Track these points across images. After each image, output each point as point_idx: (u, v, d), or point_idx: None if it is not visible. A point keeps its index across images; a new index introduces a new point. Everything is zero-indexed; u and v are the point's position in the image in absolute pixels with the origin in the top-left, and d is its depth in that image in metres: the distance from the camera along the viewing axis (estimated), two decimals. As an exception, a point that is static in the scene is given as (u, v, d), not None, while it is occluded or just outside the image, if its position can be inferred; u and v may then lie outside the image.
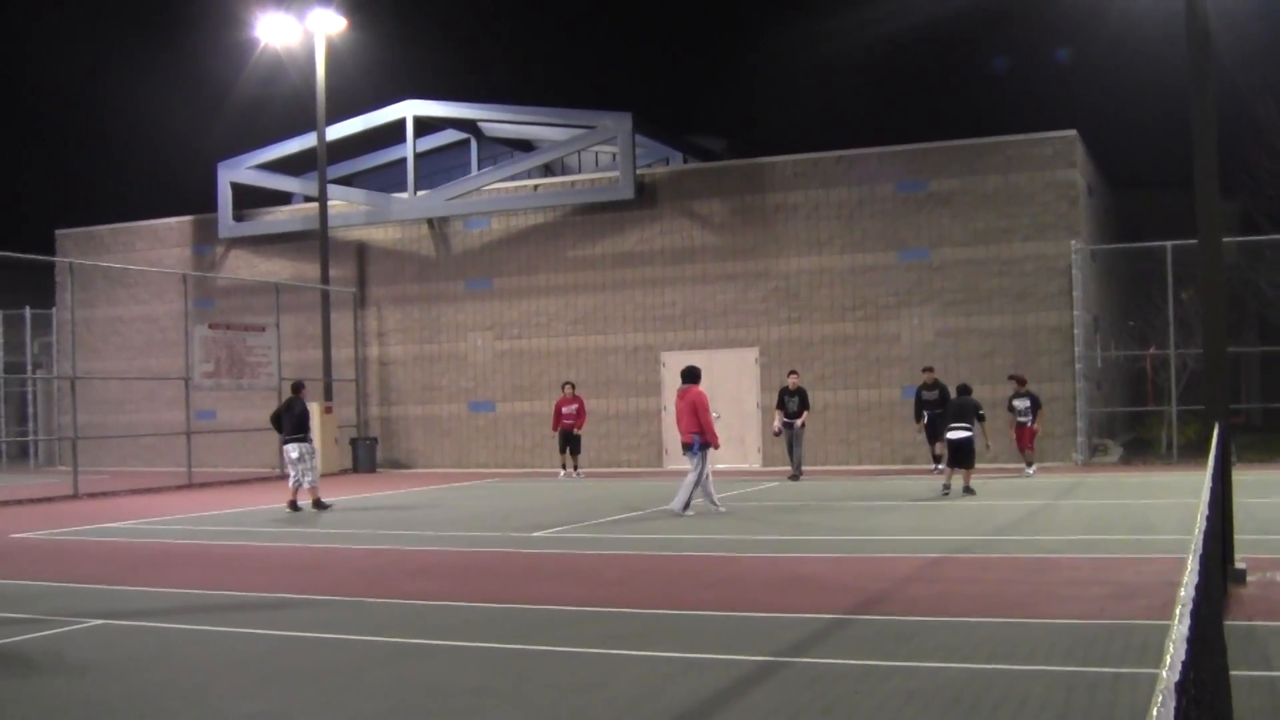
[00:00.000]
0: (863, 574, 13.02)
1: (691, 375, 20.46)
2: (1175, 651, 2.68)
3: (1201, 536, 4.66)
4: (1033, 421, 26.27)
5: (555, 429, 30.57)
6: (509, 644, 9.81)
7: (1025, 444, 26.32)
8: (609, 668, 8.93)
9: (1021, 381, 26.42)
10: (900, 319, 30.87)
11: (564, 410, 30.07)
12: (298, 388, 23.58)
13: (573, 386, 30.77)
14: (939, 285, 30.59)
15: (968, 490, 21.70)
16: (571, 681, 8.52)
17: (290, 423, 22.96)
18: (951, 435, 21.99)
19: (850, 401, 31.23)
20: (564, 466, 30.33)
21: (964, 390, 22.98)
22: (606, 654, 9.38)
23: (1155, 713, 2.41)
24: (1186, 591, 3.37)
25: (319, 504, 22.82)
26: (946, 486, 22.02)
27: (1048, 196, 29.87)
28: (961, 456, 21.91)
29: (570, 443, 30.15)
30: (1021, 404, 26.24)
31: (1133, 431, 35.55)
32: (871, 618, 10.46)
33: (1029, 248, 29.89)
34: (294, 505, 22.51)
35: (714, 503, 20.08)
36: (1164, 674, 2.59)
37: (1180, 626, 2.87)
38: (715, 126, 63.85)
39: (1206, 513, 5.57)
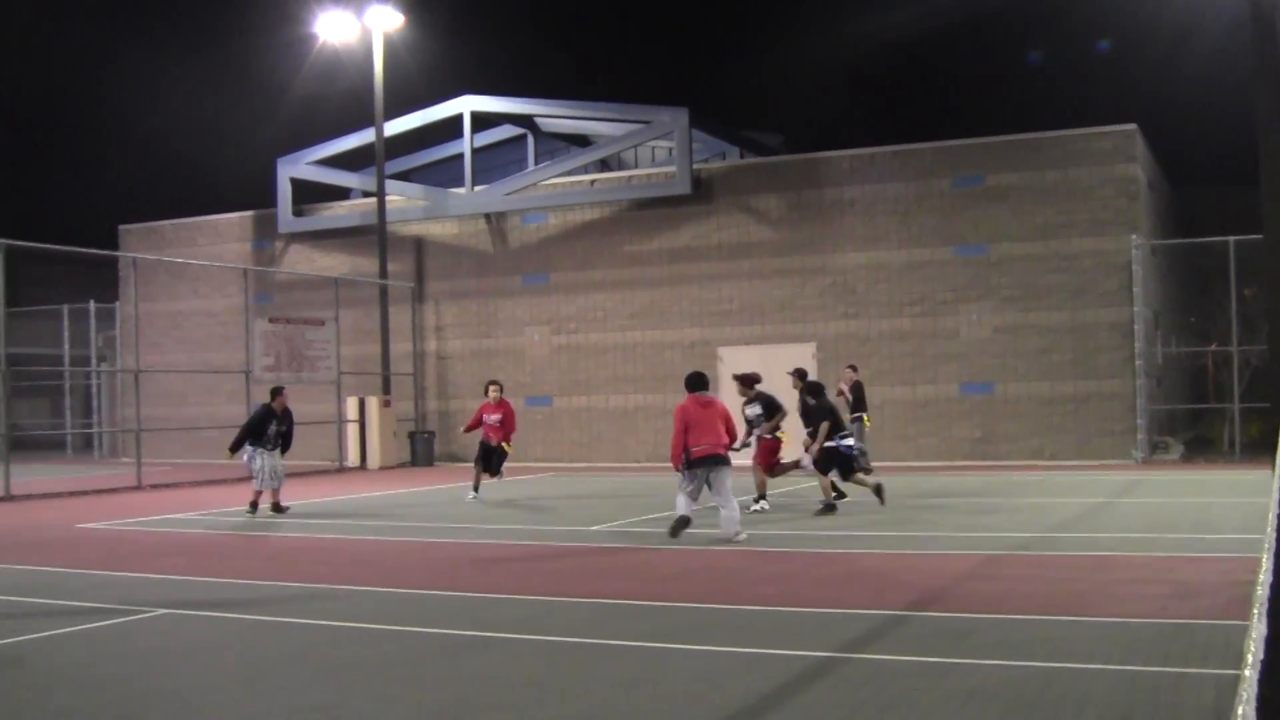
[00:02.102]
0: (919, 570, 12.96)
1: (703, 382, 16.86)
2: (1255, 652, 2.63)
3: (1275, 535, 4.58)
4: (763, 434, 19.83)
5: (469, 430, 24.47)
6: (564, 637, 9.81)
7: (761, 460, 19.96)
8: (664, 662, 8.91)
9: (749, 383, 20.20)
10: (958, 315, 30.70)
11: (487, 419, 23.52)
12: (274, 393, 21.61)
13: (500, 389, 24.14)
14: (996, 281, 30.41)
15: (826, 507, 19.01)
16: (627, 676, 8.52)
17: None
18: (839, 443, 19.07)
19: (907, 397, 31.09)
20: (476, 487, 23.48)
21: (818, 391, 20.13)
22: (662, 648, 9.36)
23: (1241, 711, 2.37)
24: (1263, 590, 3.31)
25: (253, 506, 21.05)
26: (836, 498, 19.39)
27: (1107, 191, 29.63)
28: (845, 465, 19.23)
29: (493, 458, 23.47)
30: (752, 410, 19.92)
31: (1194, 429, 35.22)
32: (929, 614, 10.38)
33: (1088, 243, 29.65)
34: (264, 507, 21.12)
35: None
36: (1246, 673, 2.53)
37: (1260, 626, 2.81)
38: (772, 121, 63.73)
39: (1278, 510, 5.48)
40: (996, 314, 30.40)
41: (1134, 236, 29.04)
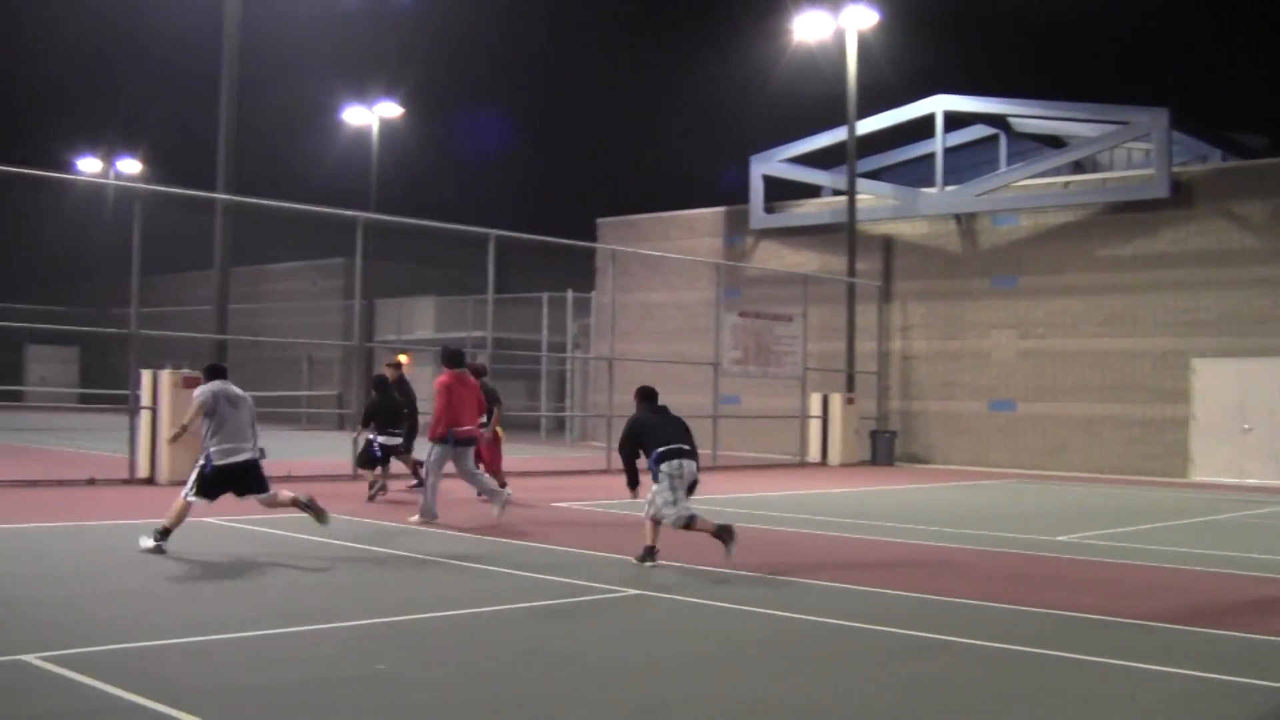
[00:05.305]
0: None
1: (461, 359, 17.83)
2: None
3: None
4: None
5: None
6: (1028, 648, 9.78)
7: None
8: (1131, 682, 8.80)
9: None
10: None
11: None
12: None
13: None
14: None
15: None
16: (1093, 692, 8.44)
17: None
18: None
19: (1400, 418, 29.38)
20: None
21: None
22: (1128, 666, 9.21)
23: None
24: None
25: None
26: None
27: None
28: None
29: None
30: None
31: None
32: None
33: None
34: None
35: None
36: None
37: None
38: (1257, 123, 60.85)
39: None
40: None
41: None
